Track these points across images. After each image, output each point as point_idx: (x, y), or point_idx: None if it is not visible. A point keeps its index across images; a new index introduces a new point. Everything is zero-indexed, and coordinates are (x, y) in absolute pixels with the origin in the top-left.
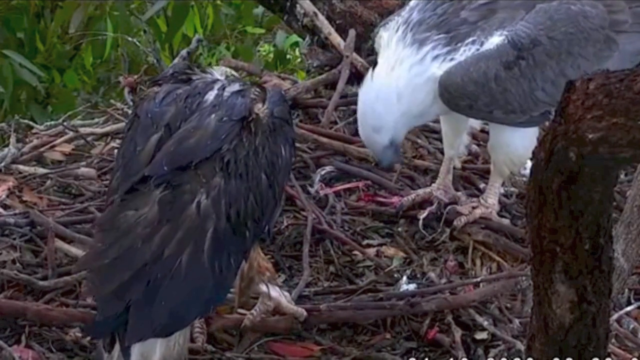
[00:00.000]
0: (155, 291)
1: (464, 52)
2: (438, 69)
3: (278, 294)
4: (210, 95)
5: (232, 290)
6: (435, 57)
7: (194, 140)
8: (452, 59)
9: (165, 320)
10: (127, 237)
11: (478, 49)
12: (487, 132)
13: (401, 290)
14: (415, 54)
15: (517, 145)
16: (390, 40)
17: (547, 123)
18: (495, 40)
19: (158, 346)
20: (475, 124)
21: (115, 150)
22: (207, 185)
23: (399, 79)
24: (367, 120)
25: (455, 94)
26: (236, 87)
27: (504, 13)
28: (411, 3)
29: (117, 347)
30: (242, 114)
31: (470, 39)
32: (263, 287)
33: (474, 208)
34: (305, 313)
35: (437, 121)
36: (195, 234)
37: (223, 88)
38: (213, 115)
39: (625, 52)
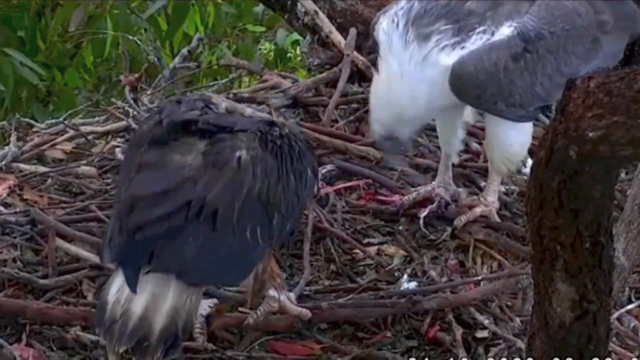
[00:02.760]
0: (189, 227)
1: (476, 41)
2: (448, 57)
3: (285, 299)
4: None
5: (232, 289)
6: (443, 48)
7: (232, 118)
8: (463, 47)
9: (189, 260)
10: (175, 175)
11: (489, 39)
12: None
13: (402, 288)
14: (419, 51)
15: (513, 142)
16: (390, 37)
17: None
18: (505, 30)
19: (171, 293)
20: (469, 118)
21: (116, 149)
22: (247, 144)
23: (409, 80)
24: (383, 126)
25: (467, 82)
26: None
27: (510, 5)
28: None
29: (120, 275)
30: (269, 119)
31: (482, 28)
32: (273, 292)
33: (473, 206)
34: (309, 314)
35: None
36: (234, 185)
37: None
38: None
39: (607, 54)
